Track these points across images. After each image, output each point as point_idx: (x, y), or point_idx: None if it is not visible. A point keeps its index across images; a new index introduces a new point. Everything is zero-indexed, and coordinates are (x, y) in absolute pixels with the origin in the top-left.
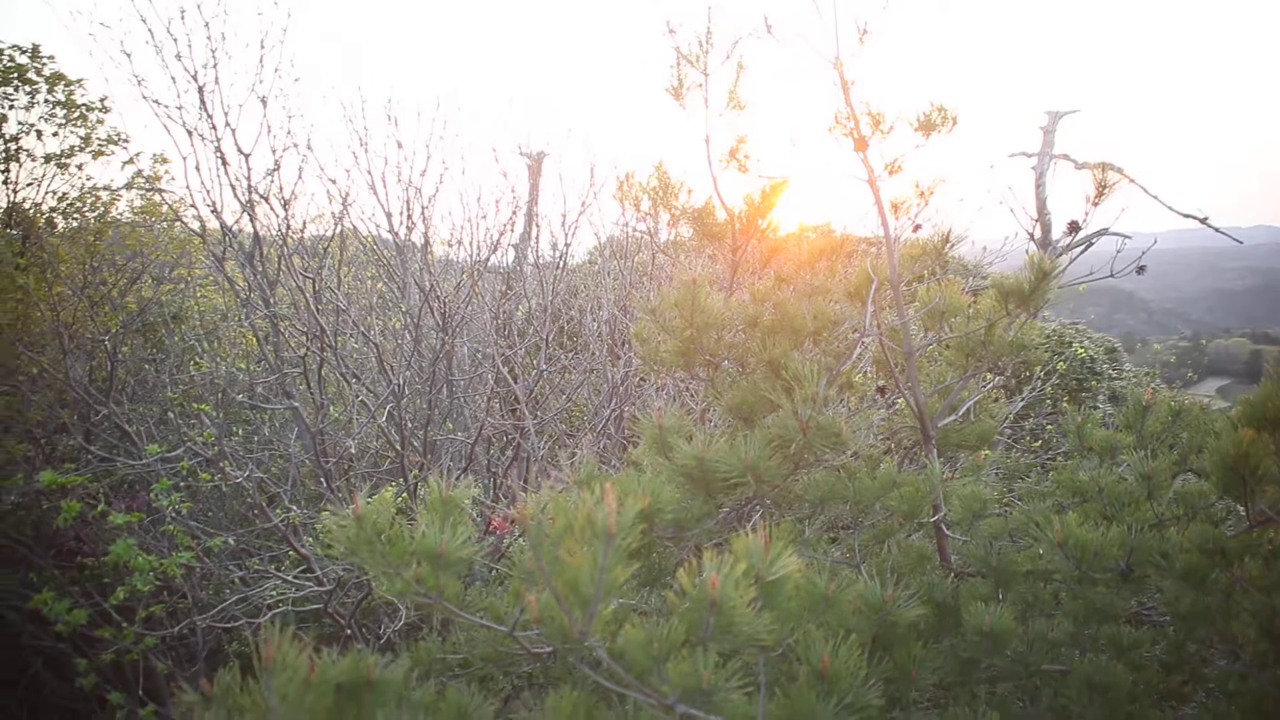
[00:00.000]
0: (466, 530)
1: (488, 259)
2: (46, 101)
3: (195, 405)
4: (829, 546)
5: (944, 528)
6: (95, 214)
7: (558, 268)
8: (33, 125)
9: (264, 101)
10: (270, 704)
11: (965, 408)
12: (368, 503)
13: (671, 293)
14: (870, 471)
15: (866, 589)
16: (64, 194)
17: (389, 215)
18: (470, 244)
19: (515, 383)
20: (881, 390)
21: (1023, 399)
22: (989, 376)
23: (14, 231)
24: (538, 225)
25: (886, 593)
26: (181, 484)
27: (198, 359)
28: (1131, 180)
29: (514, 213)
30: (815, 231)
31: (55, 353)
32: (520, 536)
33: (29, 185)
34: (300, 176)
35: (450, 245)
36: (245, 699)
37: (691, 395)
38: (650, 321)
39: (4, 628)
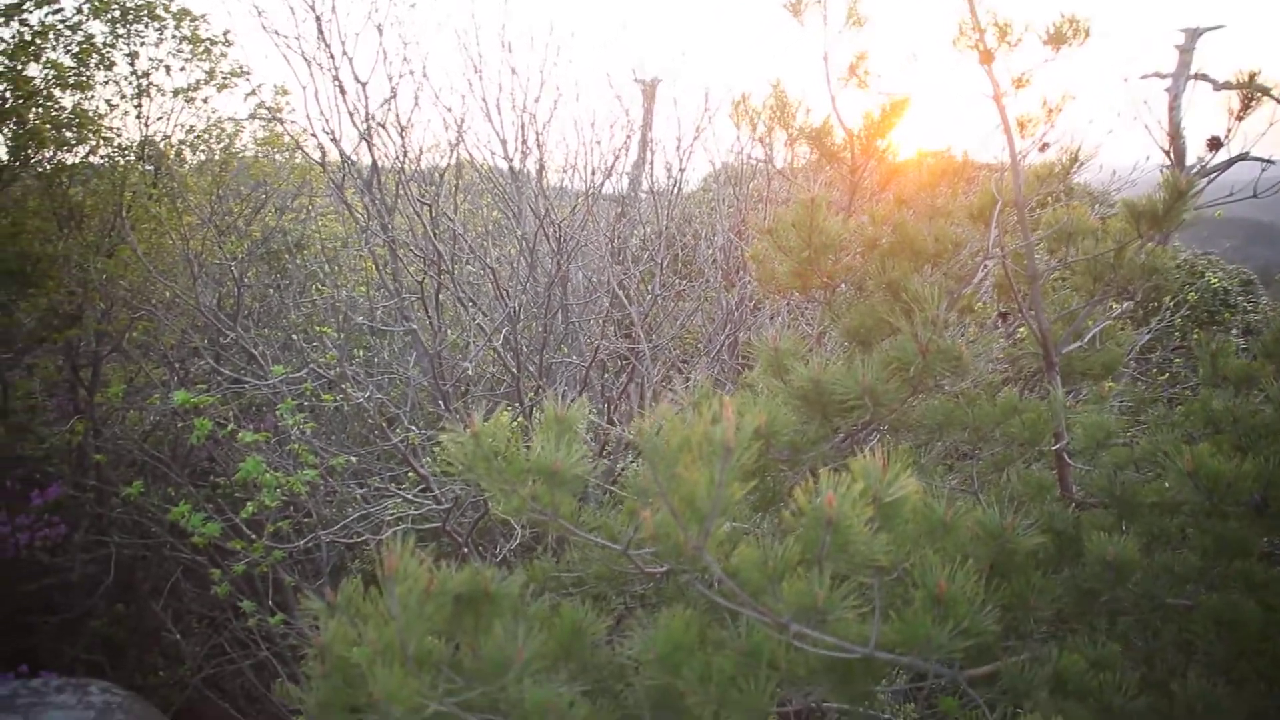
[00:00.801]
0: (581, 449)
1: (602, 185)
2: (174, 37)
3: (318, 328)
4: (946, 474)
5: (1066, 456)
6: (221, 146)
7: (672, 194)
8: (161, 61)
9: (380, 30)
10: (392, 611)
11: (1091, 334)
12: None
13: (789, 213)
14: (990, 398)
15: (985, 515)
16: (191, 127)
17: (503, 142)
18: (584, 170)
19: (630, 308)
20: (1003, 316)
21: (1150, 330)
22: (1115, 305)
23: (147, 164)
24: (652, 151)
25: (1005, 520)
26: (305, 405)
27: (319, 285)
28: (1278, 101)
29: (628, 139)
30: (935, 157)
31: (186, 280)
32: (635, 459)
33: (159, 119)
34: (416, 104)
35: (564, 172)
36: (368, 607)
37: (807, 321)
38: (767, 242)
39: (150, 541)
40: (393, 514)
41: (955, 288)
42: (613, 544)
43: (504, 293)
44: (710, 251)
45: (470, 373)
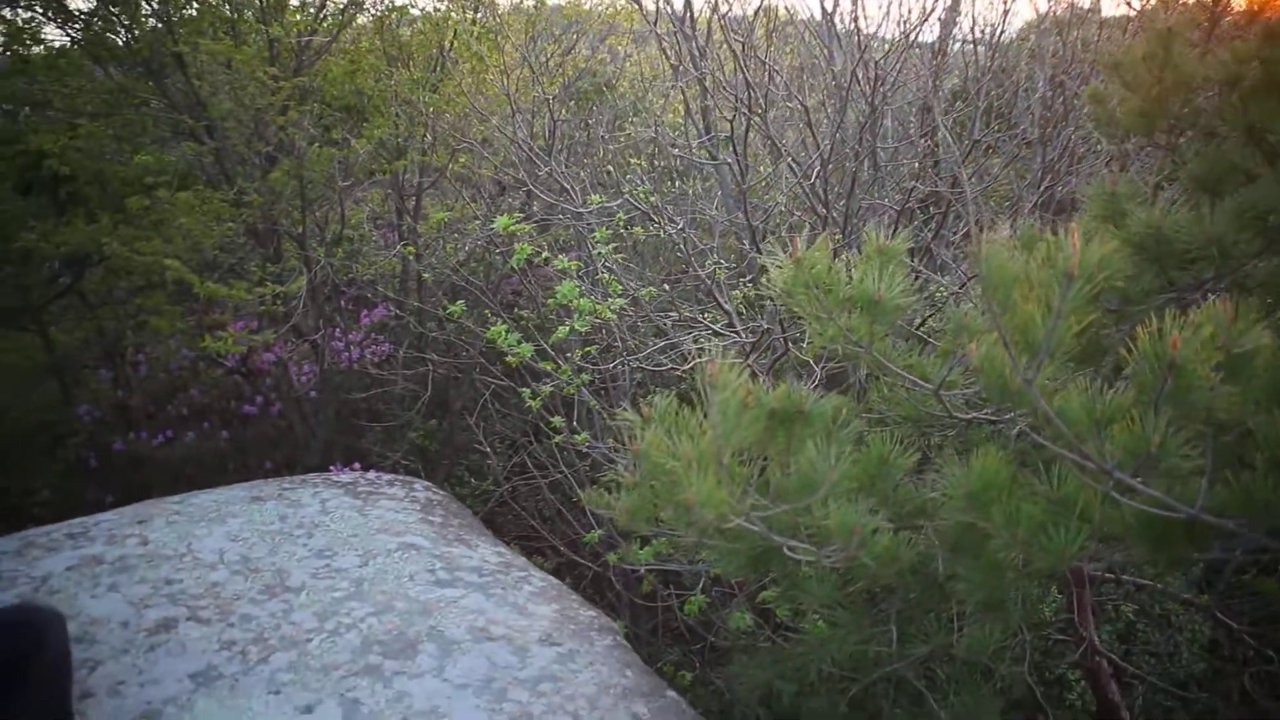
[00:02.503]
0: (903, 281)
1: (914, 33)
2: None
3: (631, 160)
4: None
5: None
6: None
7: (988, 43)
8: None
9: None
10: (711, 418)
11: None
12: (807, 250)
13: (1139, 46)
14: None
15: None
16: None
17: None
18: (896, 16)
19: (941, 156)
20: None
21: None
22: None
23: (468, 5)
24: None
25: None
26: (616, 237)
27: (628, 124)
28: None
29: None
30: None
31: (504, 116)
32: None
33: None
34: None
35: (875, 18)
36: (680, 422)
37: (1139, 170)
38: (1110, 78)
39: (462, 363)
40: (697, 346)
41: None
42: (924, 383)
43: (814, 133)
44: (1026, 104)
45: (781, 209)
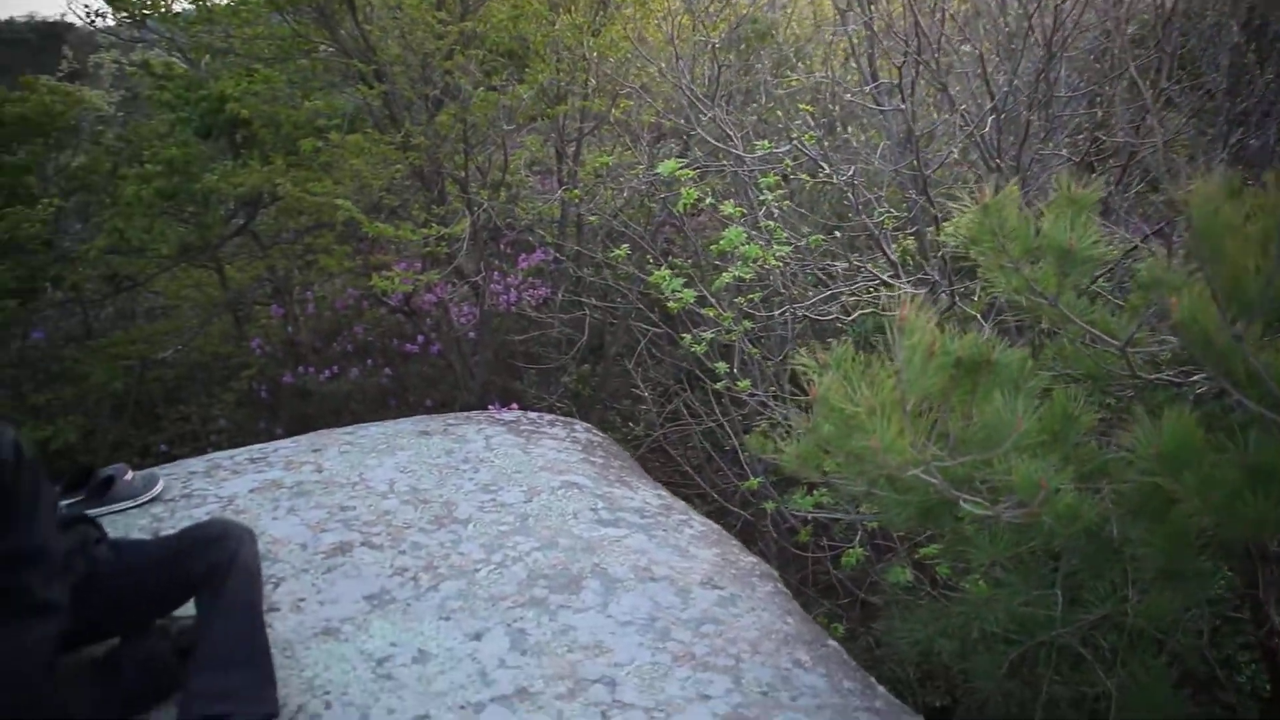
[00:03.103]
0: (1095, 232)
1: None
2: None
3: (800, 107)
4: None
5: None
6: None
7: None
8: None
9: None
10: (897, 363)
11: None
12: (994, 197)
13: None
14: None
15: None
16: None
17: None
18: None
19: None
20: None
21: None
22: None
23: None
24: None
25: None
26: (780, 183)
27: (790, 71)
28: None
29: None
30: None
31: (668, 61)
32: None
33: None
34: None
35: None
36: (857, 368)
37: None
38: None
39: (618, 308)
40: (862, 298)
41: None
42: (1109, 339)
43: (989, 81)
44: (1214, 54)
45: (955, 156)
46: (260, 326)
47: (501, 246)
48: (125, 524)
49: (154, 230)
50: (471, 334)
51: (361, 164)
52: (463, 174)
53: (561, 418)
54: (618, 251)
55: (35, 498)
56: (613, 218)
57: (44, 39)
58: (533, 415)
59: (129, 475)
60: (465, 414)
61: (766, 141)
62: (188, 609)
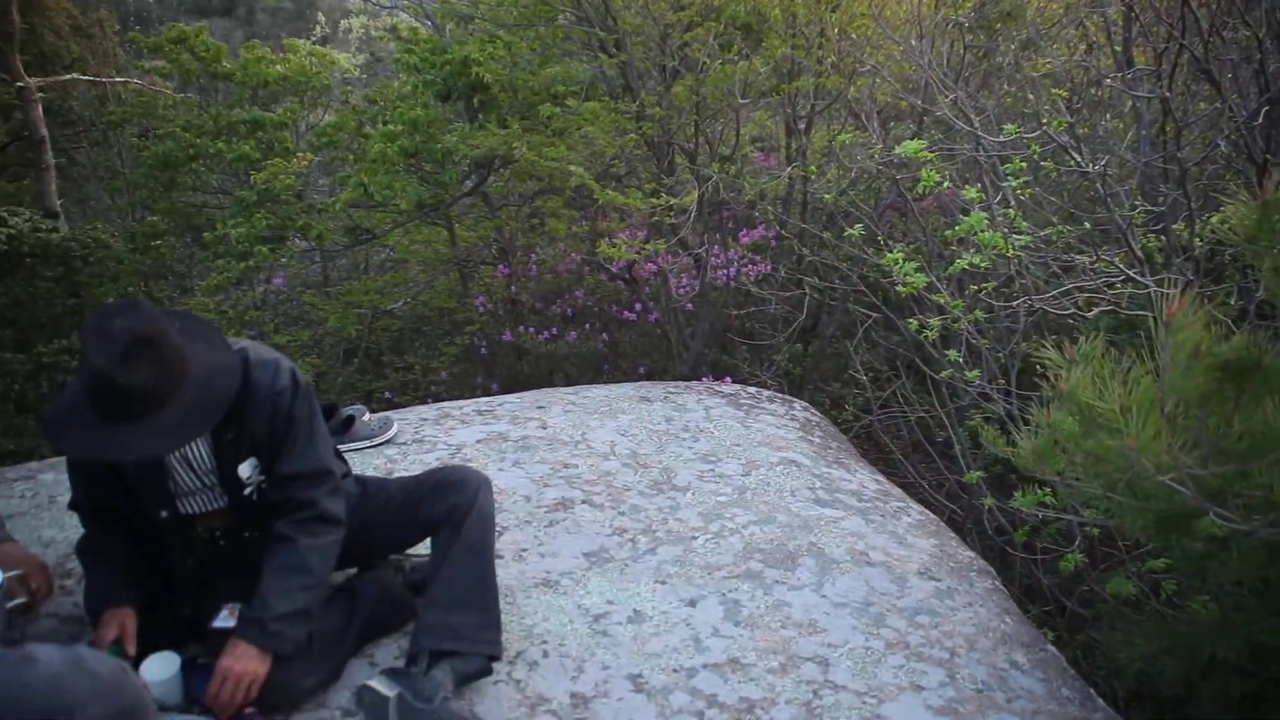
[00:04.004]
0: None
1: None
2: None
3: (1052, 91)
4: None
5: None
6: None
7: None
8: None
9: None
10: (1161, 362)
11: None
12: None
13: None
14: None
15: None
16: None
17: None
18: None
19: None
20: None
21: None
22: None
23: None
24: None
25: None
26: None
27: (1035, 54)
28: None
29: None
30: None
31: (906, 40)
32: None
33: None
34: None
35: None
36: (1108, 364)
37: None
38: None
39: (837, 289)
40: (1106, 293)
41: None
42: None
43: (1264, 66)
44: None
45: (1222, 150)
46: (484, 285)
47: (724, 220)
48: (361, 462)
49: (395, 187)
50: (689, 306)
51: (596, 131)
52: (692, 146)
53: (780, 394)
54: (851, 231)
55: (313, 423)
56: (839, 195)
57: (300, 5)
58: (751, 390)
59: (366, 416)
60: (685, 383)
61: (1013, 125)
62: (420, 547)
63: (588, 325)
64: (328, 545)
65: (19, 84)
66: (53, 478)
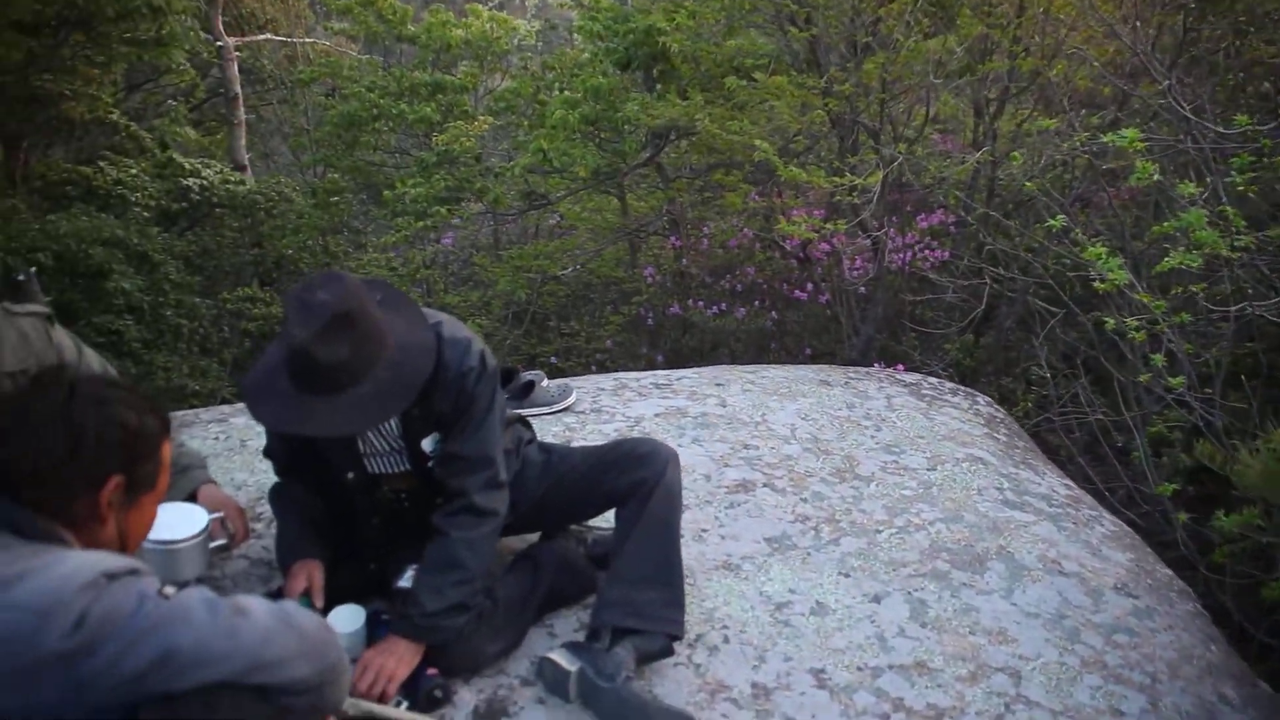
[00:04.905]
0: None
1: None
2: None
3: None
4: None
5: None
6: None
7: None
8: None
9: None
10: None
11: None
12: None
13: None
14: None
15: None
16: None
17: None
18: None
19: None
20: None
21: None
22: None
23: None
24: None
25: None
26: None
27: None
28: None
29: None
30: None
31: (1113, 21)
32: None
33: None
34: None
35: None
36: None
37: None
38: None
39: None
40: None
41: None
42: None
43: None
44: None
45: None
46: (653, 255)
47: (902, 202)
48: (540, 428)
49: (574, 153)
50: (862, 289)
51: (782, 106)
52: (877, 125)
53: (963, 387)
54: (1053, 221)
55: (489, 409)
56: (1027, 180)
57: None
58: (933, 380)
59: (545, 382)
60: (865, 369)
61: (1244, 115)
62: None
63: (756, 302)
64: (481, 538)
65: (219, 43)
66: (244, 422)
